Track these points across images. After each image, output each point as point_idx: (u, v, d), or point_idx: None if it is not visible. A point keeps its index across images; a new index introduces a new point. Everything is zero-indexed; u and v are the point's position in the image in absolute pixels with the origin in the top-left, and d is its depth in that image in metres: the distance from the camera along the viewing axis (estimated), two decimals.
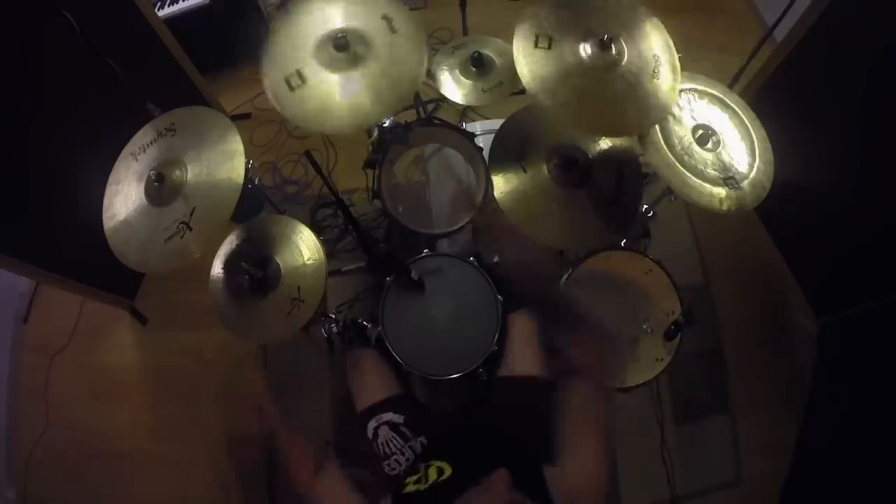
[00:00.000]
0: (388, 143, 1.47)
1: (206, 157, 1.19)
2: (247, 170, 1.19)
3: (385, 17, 1.25)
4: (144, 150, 1.24)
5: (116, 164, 1.24)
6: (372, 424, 1.23)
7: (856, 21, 1.58)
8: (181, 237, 1.11)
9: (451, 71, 1.61)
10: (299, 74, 1.20)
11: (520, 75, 1.15)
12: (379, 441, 1.21)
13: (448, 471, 0.85)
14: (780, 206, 1.39)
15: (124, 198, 1.21)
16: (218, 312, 1.35)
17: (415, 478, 0.87)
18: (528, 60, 1.16)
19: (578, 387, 0.95)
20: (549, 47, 1.17)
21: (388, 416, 1.23)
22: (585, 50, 1.20)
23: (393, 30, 1.25)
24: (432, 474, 0.85)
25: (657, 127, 1.27)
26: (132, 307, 2.16)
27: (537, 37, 1.18)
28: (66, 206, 1.61)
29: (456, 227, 1.46)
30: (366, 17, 1.26)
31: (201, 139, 1.21)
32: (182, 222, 1.13)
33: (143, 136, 1.27)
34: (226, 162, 1.17)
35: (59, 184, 1.67)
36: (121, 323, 2.19)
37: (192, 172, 1.18)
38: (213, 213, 1.14)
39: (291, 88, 1.19)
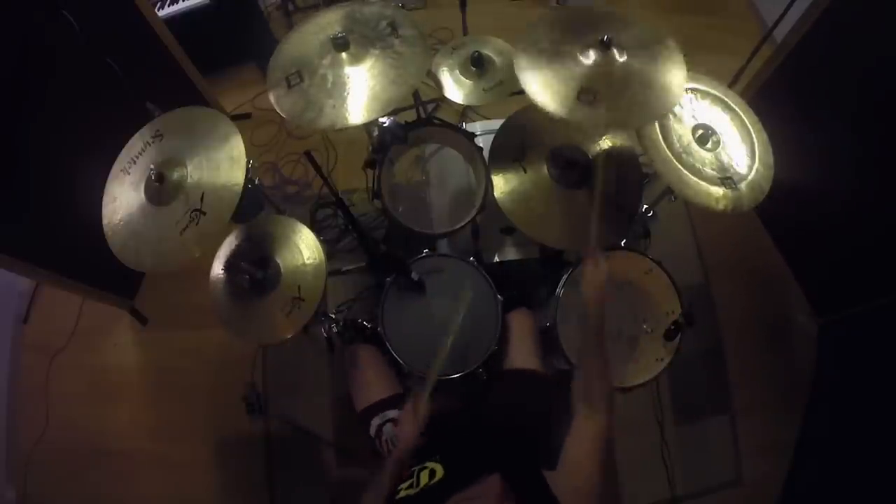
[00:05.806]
0: (388, 143, 1.47)
1: (206, 157, 1.19)
2: (247, 170, 1.19)
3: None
4: (135, 162, 1.24)
5: (108, 182, 1.24)
6: (375, 422, 1.23)
7: (855, 21, 1.58)
8: (196, 224, 1.12)
9: (451, 71, 1.61)
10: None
11: (577, 119, 1.16)
12: (383, 438, 1.21)
13: (440, 472, 0.84)
14: (780, 206, 1.39)
15: (124, 207, 1.20)
16: (218, 312, 1.35)
17: (406, 483, 0.86)
18: (577, 111, 1.16)
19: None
20: (595, 98, 1.18)
21: (393, 413, 1.23)
22: (589, 56, 1.21)
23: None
24: (424, 478, 0.84)
25: (657, 124, 1.27)
26: (132, 307, 2.16)
27: (579, 94, 1.17)
28: (66, 206, 1.61)
29: (456, 227, 1.46)
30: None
31: (199, 140, 1.21)
32: (195, 210, 1.13)
33: (130, 149, 1.26)
34: (226, 161, 1.17)
35: (59, 184, 1.67)
36: (121, 323, 2.19)
37: (193, 172, 1.18)
38: (214, 213, 1.14)
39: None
